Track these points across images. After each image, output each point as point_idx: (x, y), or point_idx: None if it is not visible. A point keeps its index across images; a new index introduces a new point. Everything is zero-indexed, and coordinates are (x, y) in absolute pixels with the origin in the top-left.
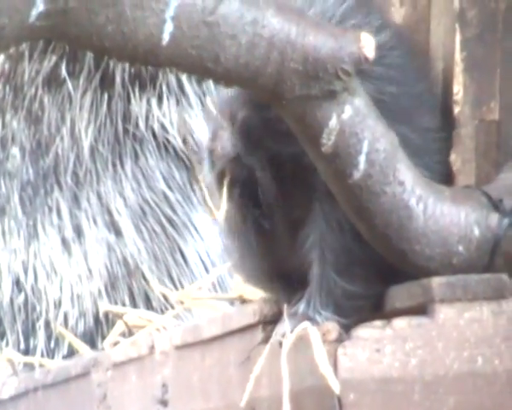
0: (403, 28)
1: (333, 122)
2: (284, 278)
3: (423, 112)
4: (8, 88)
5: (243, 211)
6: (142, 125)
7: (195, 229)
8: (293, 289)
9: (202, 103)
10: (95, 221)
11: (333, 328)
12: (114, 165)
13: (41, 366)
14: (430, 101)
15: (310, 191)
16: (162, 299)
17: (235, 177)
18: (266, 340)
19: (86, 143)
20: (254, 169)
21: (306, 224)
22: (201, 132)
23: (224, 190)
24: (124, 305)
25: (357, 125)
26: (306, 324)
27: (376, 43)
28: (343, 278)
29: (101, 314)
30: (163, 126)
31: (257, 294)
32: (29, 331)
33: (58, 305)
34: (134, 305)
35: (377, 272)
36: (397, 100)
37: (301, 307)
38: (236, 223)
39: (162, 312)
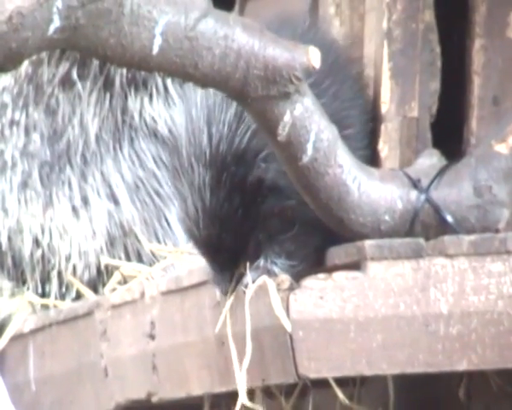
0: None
1: (287, 117)
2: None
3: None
4: (31, 86)
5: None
6: (136, 117)
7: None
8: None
9: (183, 101)
10: (98, 193)
11: (286, 279)
12: (114, 148)
13: (55, 306)
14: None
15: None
16: (151, 255)
17: None
18: (233, 289)
19: (92, 132)
20: None
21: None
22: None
23: None
24: (120, 259)
25: (306, 120)
26: (264, 277)
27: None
28: (289, 231)
29: (102, 266)
30: (153, 118)
31: None
32: (45, 279)
33: (68, 259)
34: (128, 259)
35: (320, 231)
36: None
37: (261, 261)
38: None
39: (151, 265)
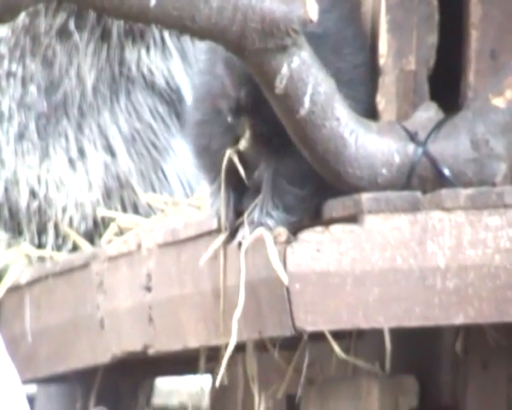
0: None
1: (284, 69)
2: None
3: (356, 51)
4: (28, 38)
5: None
6: (134, 69)
7: (174, 152)
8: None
9: (180, 54)
10: (95, 145)
11: (283, 232)
12: (111, 100)
13: (51, 258)
14: (361, 43)
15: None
16: (147, 206)
17: None
18: (230, 241)
19: (89, 83)
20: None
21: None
22: (179, 77)
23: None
24: (117, 211)
25: (303, 73)
26: (262, 229)
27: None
28: (291, 185)
29: (98, 218)
30: (150, 70)
31: None
32: (41, 231)
33: (65, 210)
34: (125, 211)
35: (318, 184)
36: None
37: (256, 214)
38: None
39: (147, 216)
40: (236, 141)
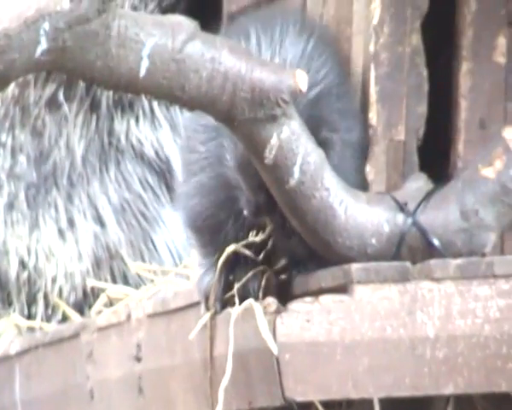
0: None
1: (274, 140)
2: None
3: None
4: (17, 108)
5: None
6: (123, 139)
7: (163, 222)
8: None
9: (170, 124)
10: (85, 215)
11: (272, 302)
12: (101, 170)
13: (41, 328)
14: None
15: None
16: (137, 277)
17: None
18: (219, 313)
19: (79, 153)
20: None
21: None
22: (168, 147)
23: None
24: (106, 281)
25: (292, 143)
26: (251, 300)
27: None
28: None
29: (88, 289)
30: (139, 141)
31: None
32: (31, 301)
33: (54, 280)
34: (114, 282)
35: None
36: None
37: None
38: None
39: (137, 287)
40: (246, 234)
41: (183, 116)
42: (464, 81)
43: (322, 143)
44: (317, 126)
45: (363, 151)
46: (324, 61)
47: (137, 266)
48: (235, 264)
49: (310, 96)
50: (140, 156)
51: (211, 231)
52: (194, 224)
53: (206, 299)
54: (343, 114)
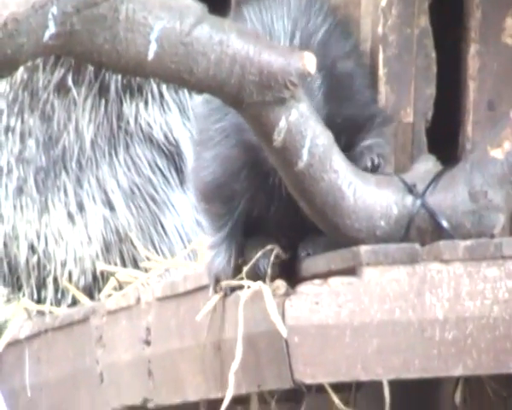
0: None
1: (282, 122)
2: None
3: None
4: (26, 93)
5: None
6: (132, 123)
7: (173, 206)
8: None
9: (179, 107)
10: (94, 199)
11: (281, 285)
12: (110, 154)
13: (50, 312)
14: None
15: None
16: (146, 261)
17: None
18: (228, 295)
19: (88, 137)
20: None
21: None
22: (177, 130)
23: None
24: (116, 265)
25: (301, 125)
26: (260, 282)
27: None
28: None
29: (98, 272)
30: (148, 124)
31: None
32: (41, 285)
33: (64, 265)
34: (124, 265)
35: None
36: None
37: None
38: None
39: (146, 271)
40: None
41: (192, 101)
42: (473, 63)
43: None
44: (332, 62)
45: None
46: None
47: (147, 251)
48: (245, 244)
49: (318, 38)
50: (149, 140)
51: (224, 200)
52: (206, 194)
53: (217, 281)
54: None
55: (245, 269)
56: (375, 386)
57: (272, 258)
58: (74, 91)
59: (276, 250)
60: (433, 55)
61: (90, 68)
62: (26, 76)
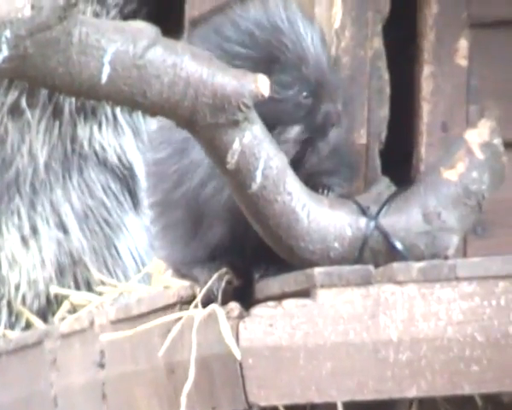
0: None
1: (236, 145)
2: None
3: None
4: None
5: None
6: (86, 145)
7: (126, 229)
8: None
9: (133, 130)
10: (48, 222)
11: (235, 307)
12: (64, 177)
13: (4, 336)
14: None
15: None
16: (100, 284)
17: None
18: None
19: (42, 160)
20: None
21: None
22: (131, 153)
23: None
24: (70, 288)
25: (255, 147)
26: (214, 305)
27: None
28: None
29: (51, 296)
30: (102, 147)
31: (172, 282)
32: None
33: (18, 288)
34: (78, 288)
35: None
36: None
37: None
38: None
39: (100, 294)
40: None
41: (146, 126)
42: (426, 84)
43: None
44: None
45: None
46: None
47: (101, 276)
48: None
49: None
50: (103, 163)
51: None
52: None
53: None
54: None
55: (199, 294)
56: (330, 408)
57: (223, 283)
58: (28, 113)
59: (229, 275)
60: (387, 76)
61: (44, 91)
62: None
